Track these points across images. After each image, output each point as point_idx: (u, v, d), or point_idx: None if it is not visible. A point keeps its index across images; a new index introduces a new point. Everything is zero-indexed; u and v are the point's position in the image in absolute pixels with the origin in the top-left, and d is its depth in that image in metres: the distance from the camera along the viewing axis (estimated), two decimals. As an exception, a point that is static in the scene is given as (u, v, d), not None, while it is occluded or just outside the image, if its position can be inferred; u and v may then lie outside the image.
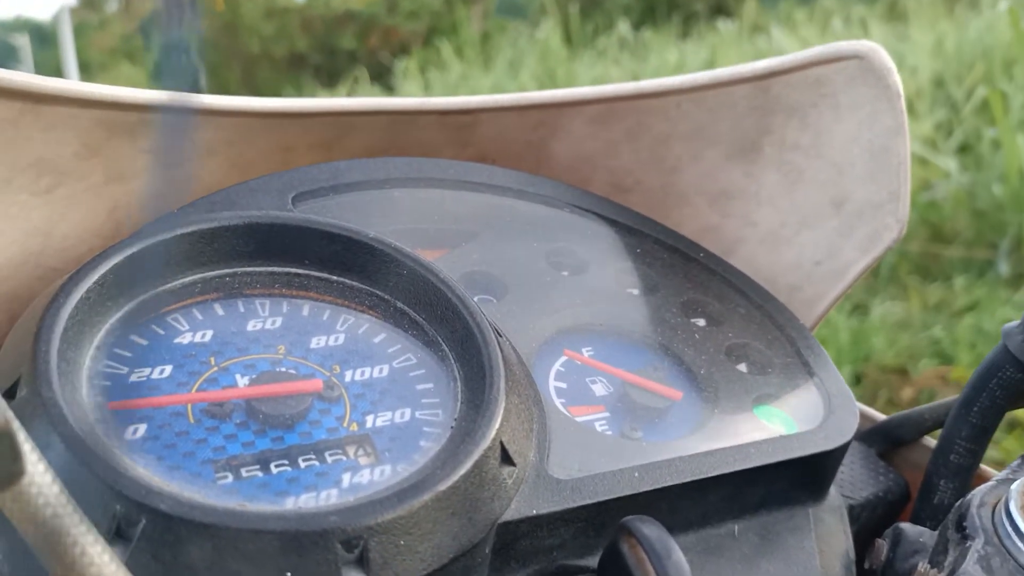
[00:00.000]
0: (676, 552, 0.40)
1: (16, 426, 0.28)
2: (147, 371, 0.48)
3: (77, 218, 0.60)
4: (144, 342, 0.49)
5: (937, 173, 3.13)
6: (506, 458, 0.47)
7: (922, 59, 3.71)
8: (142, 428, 0.44)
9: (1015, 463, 0.59)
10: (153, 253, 0.51)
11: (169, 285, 0.52)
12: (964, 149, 3.25)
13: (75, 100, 0.55)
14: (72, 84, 0.55)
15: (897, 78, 0.71)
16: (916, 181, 3.04)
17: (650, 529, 0.41)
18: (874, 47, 0.71)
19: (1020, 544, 0.50)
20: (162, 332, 0.50)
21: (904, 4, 4.91)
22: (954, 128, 3.35)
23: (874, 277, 2.81)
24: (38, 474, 0.30)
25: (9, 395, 0.43)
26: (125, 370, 0.47)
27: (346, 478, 0.45)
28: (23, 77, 0.53)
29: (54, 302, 0.45)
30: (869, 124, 0.73)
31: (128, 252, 0.49)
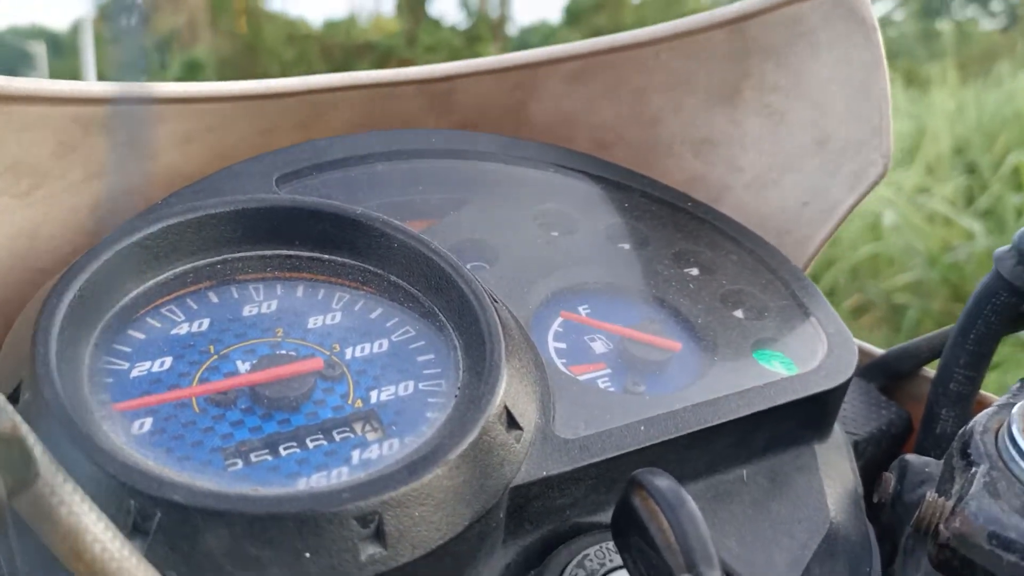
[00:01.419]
0: (688, 501, 0.40)
1: (25, 430, 0.28)
2: (147, 365, 0.48)
3: (61, 217, 0.60)
4: (142, 336, 0.49)
5: (959, 235, 3.17)
6: (512, 422, 0.47)
7: (942, 125, 3.74)
8: (148, 422, 0.44)
9: (1015, 387, 0.59)
10: (141, 246, 0.50)
11: (161, 277, 0.52)
12: (987, 213, 3.30)
13: (46, 99, 0.55)
14: (42, 83, 0.54)
15: (871, 12, 0.71)
16: (938, 241, 3.11)
17: (661, 481, 0.41)
18: None
19: (1025, 466, 0.50)
20: (158, 325, 0.50)
21: (924, 71, 4.93)
22: (975, 194, 3.40)
23: (896, 332, 2.85)
24: (51, 476, 0.30)
25: (12, 400, 0.43)
26: (126, 365, 0.47)
27: (355, 455, 0.45)
28: None
29: (48, 303, 0.45)
30: (847, 60, 0.73)
31: (116, 247, 0.49)
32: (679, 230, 0.72)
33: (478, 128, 0.79)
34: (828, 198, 0.77)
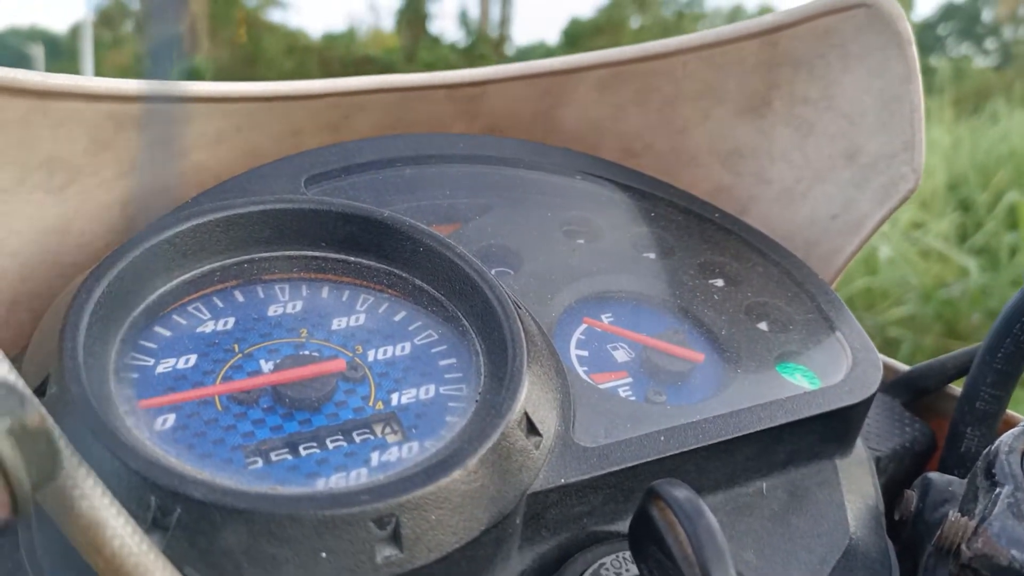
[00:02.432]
0: (706, 513, 0.40)
1: (51, 423, 0.29)
2: (172, 361, 0.48)
3: (92, 213, 0.60)
4: (168, 333, 0.50)
5: (953, 271, 3.16)
6: (532, 429, 0.47)
7: (937, 161, 3.74)
8: (171, 418, 0.45)
9: (1042, 407, 0.58)
10: (170, 244, 0.51)
11: (188, 275, 0.52)
12: (981, 251, 3.30)
13: (81, 95, 0.55)
14: (77, 79, 0.55)
15: (907, 24, 0.70)
16: (932, 277, 3.10)
17: (679, 492, 0.41)
18: None
19: (1050, 488, 0.50)
20: (184, 322, 0.51)
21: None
22: (968, 231, 3.40)
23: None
24: (74, 469, 0.30)
25: (39, 393, 0.43)
26: (151, 362, 0.48)
27: (375, 456, 0.46)
28: (28, 75, 0.53)
29: (77, 299, 0.45)
30: (879, 73, 0.72)
31: (146, 245, 0.49)
32: (705, 241, 0.72)
33: (506, 133, 0.79)
34: (857, 211, 0.76)
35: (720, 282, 0.69)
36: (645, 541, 0.42)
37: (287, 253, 0.56)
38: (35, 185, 0.57)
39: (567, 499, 0.49)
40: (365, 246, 0.56)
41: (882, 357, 0.65)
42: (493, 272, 0.58)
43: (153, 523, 0.38)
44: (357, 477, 0.44)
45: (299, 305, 0.54)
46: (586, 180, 0.74)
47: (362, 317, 0.54)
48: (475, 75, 0.73)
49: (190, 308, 0.52)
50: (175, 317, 0.51)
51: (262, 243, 0.55)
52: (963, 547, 0.50)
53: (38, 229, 0.58)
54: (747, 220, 0.78)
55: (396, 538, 0.41)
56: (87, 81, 0.56)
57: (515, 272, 0.63)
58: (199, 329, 0.51)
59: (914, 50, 0.70)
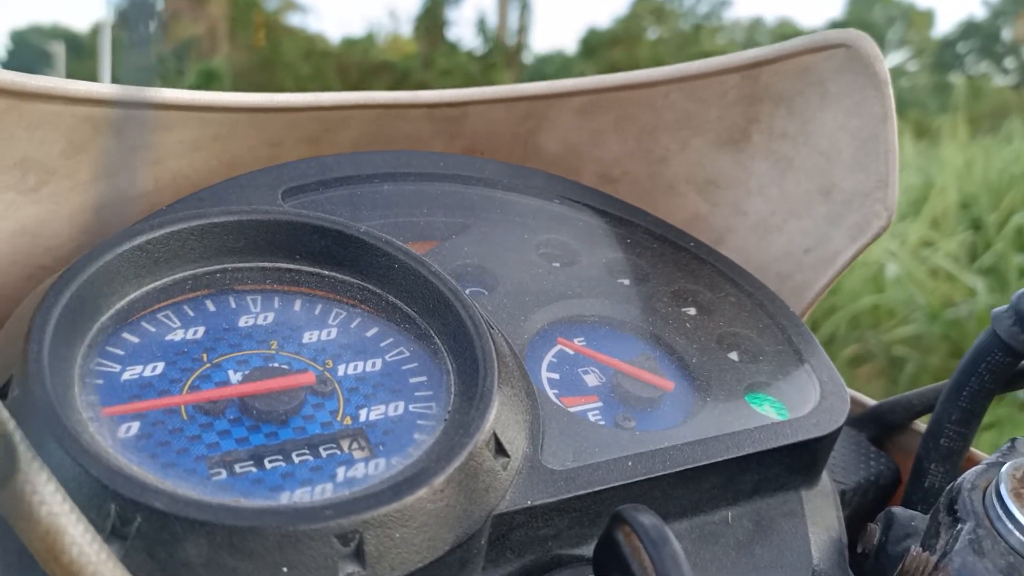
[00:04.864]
0: (671, 540, 0.40)
1: (12, 426, 0.28)
2: (139, 369, 0.48)
3: (66, 216, 0.60)
4: (136, 340, 0.49)
5: (961, 291, 3.18)
6: (500, 450, 0.47)
7: (950, 180, 3.77)
8: (135, 426, 0.44)
9: (1005, 446, 0.59)
10: (142, 250, 0.50)
11: (160, 282, 0.52)
12: (990, 271, 3.31)
13: (59, 97, 0.55)
14: (56, 81, 0.55)
15: (884, 66, 0.71)
16: (940, 296, 3.11)
17: (645, 517, 0.41)
18: (861, 35, 0.71)
19: (1011, 526, 0.50)
20: (153, 329, 0.50)
21: (935, 123, 4.96)
22: (978, 250, 3.41)
23: (893, 384, 2.85)
24: (33, 473, 0.30)
25: (1, 395, 0.43)
26: (117, 368, 0.47)
27: (341, 472, 0.45)
28: (5, 75, 0.52)
29: (45, 301, 0.45)
30: (856, 112, 0.73)
31: (118, 250, 0.49)
32: (679, 269, 0.72)
33: (485, 155, 0.79)
34: (830, 247, 0.77)
35: (693, 311, 0.69)
36: (609, 566, 0.42)
37: (261, 264, 0.55)
38: (7, 185, 0.56)
39: (533, 521, 0.49)
40: (340, 260, 0.56)
41: (849, 391, 0.65)
42: (468, 292, 0.58)
43: (112, 532, 0.38)
44: (322, 492, 0.44)
45: (271, 317, 0.53)
46: (564, 204, 0.74)
47: (334, 331, 0.54)
48: (456, 96, 0.73)
49: (160, 315, 0.51)
50: (144, 324, 0.50)
51: (236, 253, 0.55)
52: (924, 583, 0.50)
53: (9, 230, 0.57)
54: (722, 250, 0.78)
55: (359, 555, 0.40)
56: (66, 84, 0.55)
57: (490, 292, 0.63)
58: (168, 337, 0.50)
59: (890, 91, 0.71)
